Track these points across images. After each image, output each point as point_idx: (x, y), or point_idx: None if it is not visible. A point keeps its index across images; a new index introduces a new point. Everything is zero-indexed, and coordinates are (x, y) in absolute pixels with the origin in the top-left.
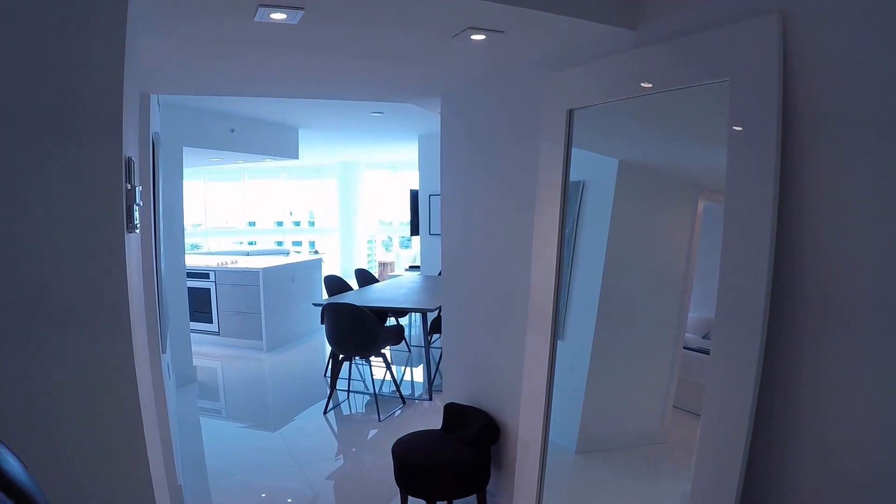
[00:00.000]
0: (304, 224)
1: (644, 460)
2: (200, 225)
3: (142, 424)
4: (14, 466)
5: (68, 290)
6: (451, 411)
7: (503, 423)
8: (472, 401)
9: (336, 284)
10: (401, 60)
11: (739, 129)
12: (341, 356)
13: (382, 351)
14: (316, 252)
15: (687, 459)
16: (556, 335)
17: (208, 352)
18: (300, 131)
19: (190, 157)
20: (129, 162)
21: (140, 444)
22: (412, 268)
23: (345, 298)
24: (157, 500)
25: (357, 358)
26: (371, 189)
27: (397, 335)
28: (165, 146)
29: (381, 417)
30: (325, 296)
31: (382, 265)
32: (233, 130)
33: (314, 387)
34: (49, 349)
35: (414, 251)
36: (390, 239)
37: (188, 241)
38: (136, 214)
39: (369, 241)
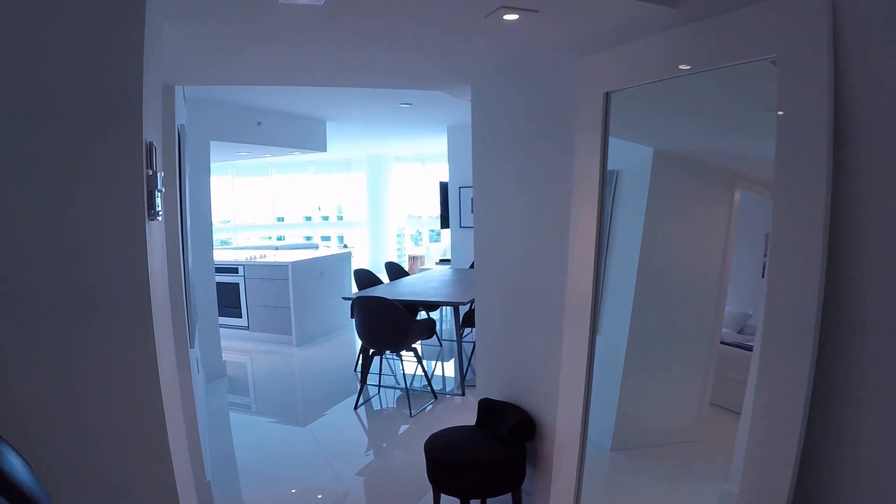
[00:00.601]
0: (333, 218)
1: (679, 459)
2: (229, 221)
3: (164, 418)
4: (17, 467)
5: (89, 278)
6: (485, 407)
7: (539, 418)
8: (507, 396)
9: (366, 278)
10: (431, 44)
11: (786, 112)
12: (371, 351)
13: (413, 345)
14: (345, 246)
15: (723, 458)
16: (594, 329)
17: (238, 346)
18: (328, 124)
19: (217, 151)
20: (150, 146)
21: (163, 438)
22: (442, 261)
23: (375, 292)
24: (182, 496)
25: (388, 352)
26: (400, 182)
27: (429, 329)
28: (192, 140)
29: (413, 413)
30: (354, 290)
31: (412, 259)
32: (259, 123)
33: (344, 382)
34: (71, 339)
35: (444, 245)
36: (419, 233)
37: (217, 237)
38: (158, 201)
39: (398, 235)
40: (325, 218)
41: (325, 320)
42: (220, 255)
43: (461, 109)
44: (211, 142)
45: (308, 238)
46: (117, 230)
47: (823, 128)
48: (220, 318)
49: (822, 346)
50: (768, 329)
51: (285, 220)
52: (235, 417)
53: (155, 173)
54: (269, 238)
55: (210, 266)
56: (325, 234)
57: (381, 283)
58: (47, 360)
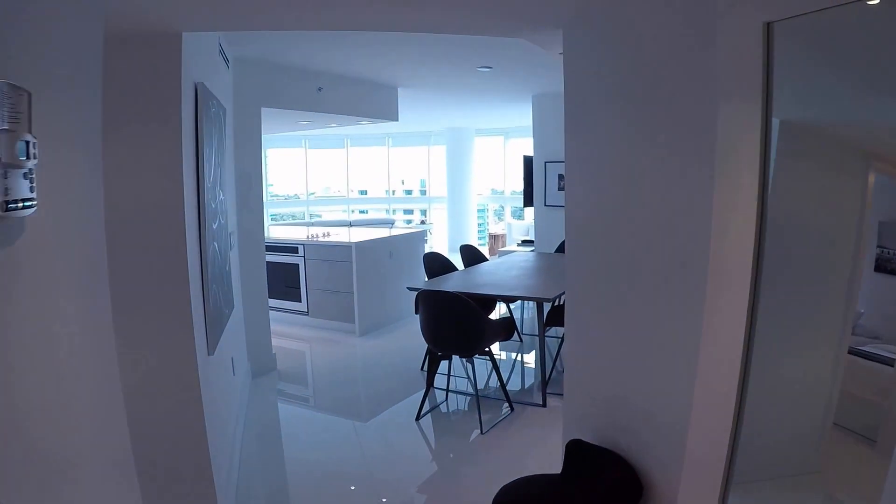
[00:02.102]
0: (416, 193)
1: (801, 494)
2: (313, 194)
3: None
4: None
5: None
6: (575, 452)
7: (648, 475)
8: (604, 438)
9: (437, 264)
10: None
11: None
12: (439, 353)
13: (488, 348)
14: (422, 222)
15: (852, 494)
16: (750, 346)
17: (296, 333)
18: (399, 90)
19: (274, 120)
20: None
21: None
22: (525, 242)
23: (447, 282)
24: None
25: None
26: (482, 157)
27: (507, 330)
28: (239, 107)
29: (485, 428)
30: (425, 278)
31: (493, 238)
32: (320, 89)
33: (410, 381)
34: None
35: (526, 222)
36: (502, 208)
37: (286, 210)
38: (26, 184)
39: (480, 210)
40: (409, 192)
41: (393, 308)
42: (280, 233)
43: (547, 76)
44: (263, 109)
45: (392, 212)
46: None
47: None
48: (278, 301)
49: None
50: None
51: (368, 192)
52: (289, 410)
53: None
54: (352, 212)
55: (260, 248)
56: (409, 208)
57: (454, 268)
58: None
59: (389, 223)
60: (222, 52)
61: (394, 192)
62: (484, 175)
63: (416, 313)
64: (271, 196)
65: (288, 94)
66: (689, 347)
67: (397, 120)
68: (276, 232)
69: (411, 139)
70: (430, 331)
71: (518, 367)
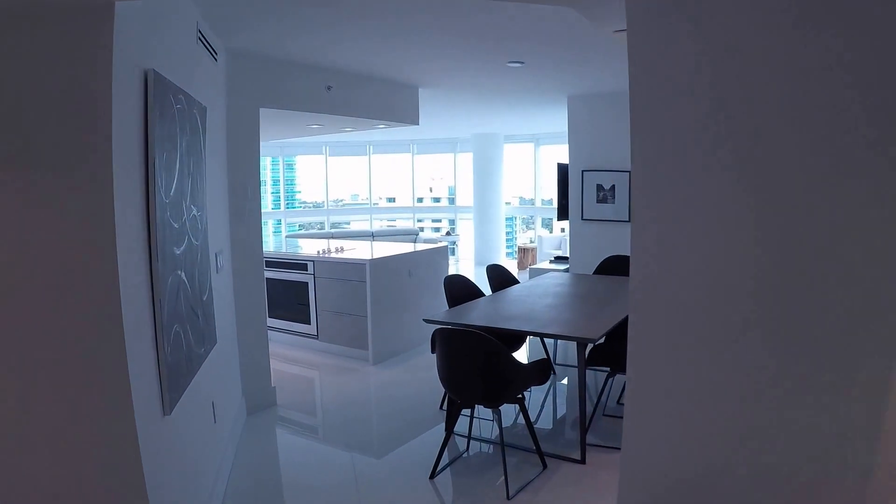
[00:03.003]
0: (444, 201)
1: None
2: (341, 201)
3: None
4: None
5: None
6: None
7: None
8: None
9: (460, 288)
10: None
11: None
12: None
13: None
14: (448, 234)
15: None
16: None
17: (303, 358)
18: (421, 91)
19: (279, 123)
20: None
21: None
22: (559, 259)
23: (471, 312)
24: None
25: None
26: (512, 164)
27: (542, 373)
28: (233, 107)
29: (511, 491)
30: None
31: (522, 252)
32: (330, 88)
33: (428, 420)
34: None
35: (558, 235)
36: (531, 217)
37: (306, 219)
38: None
39: (508, 219)
40: (437, 200)
41: (411, 333)
42: (290, 247)
43: (584, 74)
44: (263, 110)
45: (417, 222)
46: None
47: None
48: (284, 322)
49: None
50: None
51: (396, 201)
52: (287, 455)
53: None
54: (381, 221)
55: (257, 264)
56: (436, 217)
57: (479, 293)
58: None
59: (414, 234)
60: (205, 42)
61: (421, 199)
62: (513, 183)
63: (433, 352)
64: (299, 203)
65: (291, 93)
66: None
67: (418, 124)
68: (287, 245)
69: (436, 146)
70: (448, 376)
71: (550, 404)
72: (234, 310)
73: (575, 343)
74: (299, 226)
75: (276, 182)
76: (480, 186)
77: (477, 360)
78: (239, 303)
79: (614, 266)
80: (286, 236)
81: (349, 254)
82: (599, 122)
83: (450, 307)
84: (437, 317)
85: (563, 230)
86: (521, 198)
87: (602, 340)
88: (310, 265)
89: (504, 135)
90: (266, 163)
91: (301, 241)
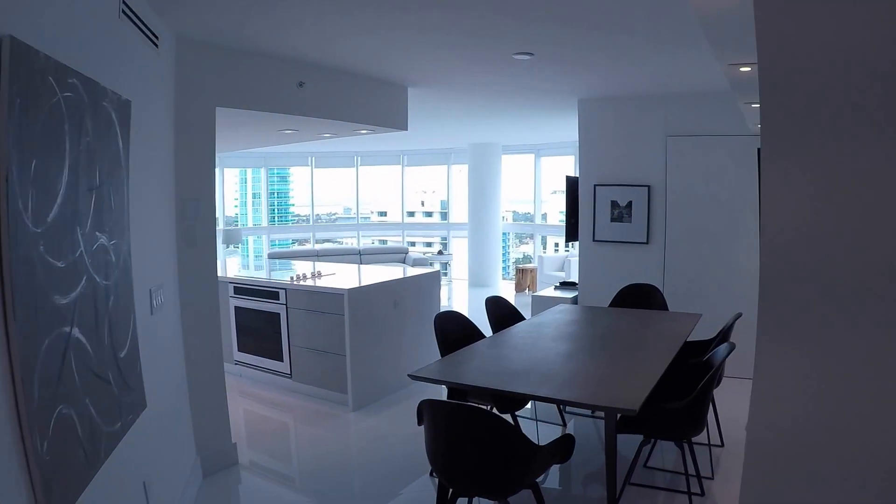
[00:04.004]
0: (437, 216)
1: None
2: (306, 220)
3: None
4: None
5: None
6: None
7: None
8: None
9: (454, 329)
10: None
11: None
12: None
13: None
14: (440, 253)
15: None
16: None
17: (274, 400)
18: (410, 92)
19: (247, 126)
20: None
21: None
22: (565, 285)
23: (468, 364)
24: None
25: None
26: (509, 177)
27: (563, 453)
28: (183, 107)
29: None
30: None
31: (520, 273)
32: (302, 84)
33: (415, 488)
34: None
35: (560, 255)
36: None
37: (290, 236)
38: None
39: (505, 234)
40: (429, 214)
41: (397, 374)
42: (260, 274)
43: (603, 70)
44: (221, 110)
45: (410, 244)
46: None
47: None
48: (254, 357)
49: None
50: None
51: (388, 214)
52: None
53: None
54: (370, 241)
55: (211, 295)
56: (428, 234)
57: (477, 334)
58: None
59: (403, 252)
60: (135, 19)
61: (413, 213)
62: (510, 198)
63: (420, 424)
64: (292, 217)
65: (255, 91)
66: None
67: (406, 128)
68: (268, 266)
69: (428, 157)
70: (440, 459)
71: (564, 473)
72: (182, 355)
73: (605, 418)
74: (293, 240)
75: (270, 195)
76: (476, 201)
77: (478, 442)
78: (190, 345)
79: (634, 297)
80: (268, 256)
81: (327, 280)
82: (615, 130)
83: (442, 354)
84: (426, 370)
85: (567, 249)
86: (514, 212)
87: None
88: (281, 294)
89: (502, 145)
90: (262, 175)
91: (281, 262)
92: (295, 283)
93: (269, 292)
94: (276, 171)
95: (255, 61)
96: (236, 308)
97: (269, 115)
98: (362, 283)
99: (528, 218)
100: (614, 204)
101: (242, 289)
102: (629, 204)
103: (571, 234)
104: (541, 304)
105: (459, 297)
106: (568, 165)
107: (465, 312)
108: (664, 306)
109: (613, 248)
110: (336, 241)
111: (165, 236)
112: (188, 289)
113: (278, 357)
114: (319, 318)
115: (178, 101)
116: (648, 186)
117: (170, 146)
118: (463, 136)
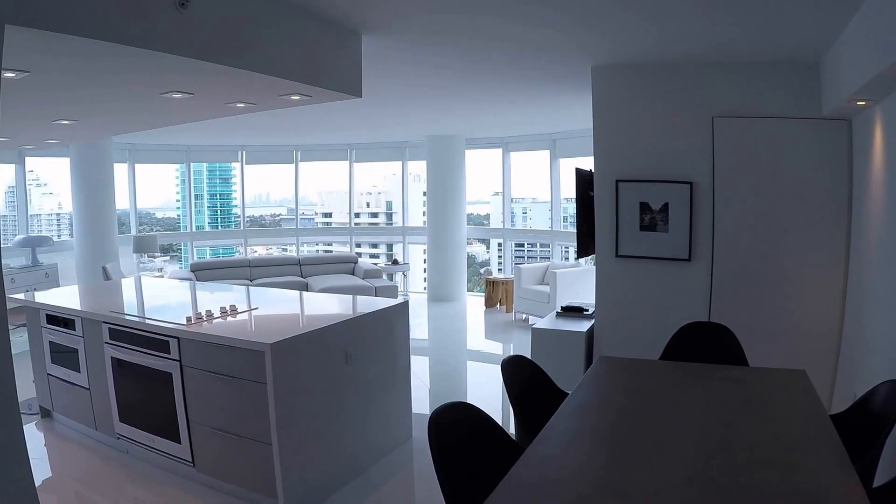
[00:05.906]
0: (382, 218)
1: None
2: (249, 222)
3: None
4: None
5: None
6: None
7: None
8: None
9: (464, 434)
10: None
11: None
12: None
13: None
14: (395, 262)
15: None
16: None
17: (173, 495)
18: (365, 39)
19: (87, 75)
20: None
21: None
22: (569, 311)
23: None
24: None
25: None
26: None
27: None
28: None
29: None
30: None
31: (491, 286)
32: (184, 4)
33: None
34: None
35: (542, 264)
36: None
37: (225, 241)
38: None
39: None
40: (374, 215)
41: (353, 458)
42: (158, 302)
43: (625, 26)
44: (9, 28)
45: (355, 246)
46: None
47: None
48: (146, 434)
49: None
50: None
51: (333, 216)
52: None
53: None
54: (315, 248)
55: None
56: (378, 240)
57: (502, 437)
58: None
59: (352, 261)
60: None
61: (358, 214)
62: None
63: None
64: (235, 220)
65: (90, 3)
66: None
67: (360, 94)
68: (171, 291)
69: (380, 152)
70: None
71: None
72: None
73: None
74: (222, 250)
75: (212, 196)
76: (436, 202)
77: None
78: None
79: (698, 342)
80: (191, 268)
81: (241, 325)
82: (644, 108)
83: (447, 494)
84: None
85: (547, 258)
86: (468, 215)
87: None
88: (172, 344)
89: (465, 138)
90: (201, 173)
91: (206, 278)
92: (191, 326)
93: (156, 341)
94: (217, 170)
95: None
96: (113, 360)
97: (123, 52)
98: (294, 332)
99: (479, 221)
100: (644, 207)
101: (119, 332)
102: (665, 206)
103: (585, 246)
104: (544, 340)
105: (418, 313)
106: (543, 160)
107: (425, 335)
108: (740, 355)
109: (644, 265)
110: (282, 248)
111: None
112: None
113: (174, 437)
114: (230, 385)
115: None
116: (691, 184)
117: None
118: (421, 126)
